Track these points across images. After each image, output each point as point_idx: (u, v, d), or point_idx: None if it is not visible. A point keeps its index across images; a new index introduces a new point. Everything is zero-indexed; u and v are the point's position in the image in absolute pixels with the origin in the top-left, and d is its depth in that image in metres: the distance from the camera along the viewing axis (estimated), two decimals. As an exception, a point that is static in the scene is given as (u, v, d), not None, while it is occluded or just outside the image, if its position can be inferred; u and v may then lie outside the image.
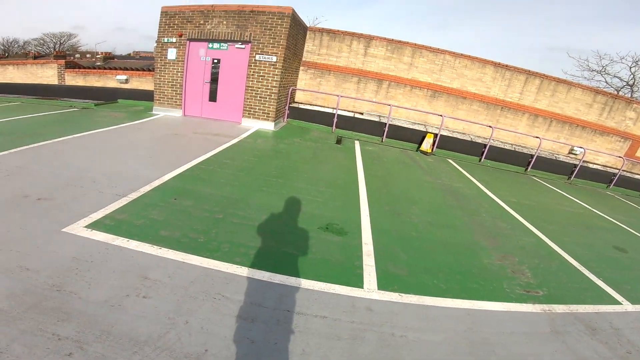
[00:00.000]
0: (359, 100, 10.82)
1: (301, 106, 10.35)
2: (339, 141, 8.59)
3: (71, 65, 12.31)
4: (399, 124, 10.10)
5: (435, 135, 9.48)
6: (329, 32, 10.56)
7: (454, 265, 3.49)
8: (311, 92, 10.42)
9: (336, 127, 9.52)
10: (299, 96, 11.02)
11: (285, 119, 9.67)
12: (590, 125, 11.85)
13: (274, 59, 7.99)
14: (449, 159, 9.54)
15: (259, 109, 8.40)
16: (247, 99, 8.38)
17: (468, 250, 3.90)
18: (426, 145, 9.32)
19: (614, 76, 18.99)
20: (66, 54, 23.36)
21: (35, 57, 22.57)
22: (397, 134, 9.65)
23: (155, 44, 8.99)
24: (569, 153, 12.41)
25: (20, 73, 13.03)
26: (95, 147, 5.54)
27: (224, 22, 8.17)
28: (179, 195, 4.01)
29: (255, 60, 8.11)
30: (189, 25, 8.42)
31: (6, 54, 35.46)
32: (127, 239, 2.90)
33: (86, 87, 11.60)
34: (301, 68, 10.72)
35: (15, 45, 40.78)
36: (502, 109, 11.19)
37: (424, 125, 10.97)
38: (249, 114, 8.49)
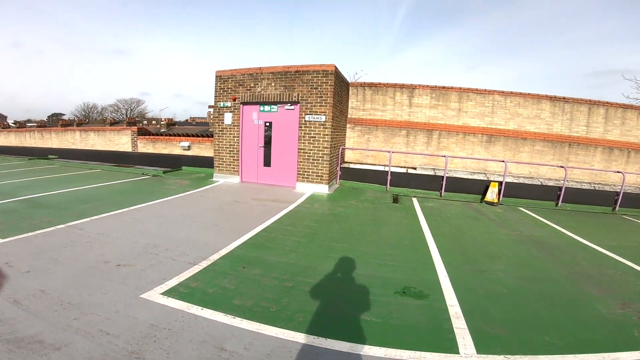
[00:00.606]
0: (410, 154, 10.53)
1: (352, 166, 10.26)
2: (395, 200, 8.20)
3: (142, 133, 13.66)
4: (457, 175, 9.55)
5: (500, 183, 8.75)
6: (371, 85, 10.72)
7: (565, 319, 3.11)
8: (360, 150, 10.38)
9: (390, 185, 9.19)
10: (349, 155, 11.01)
11: (337, 181, 9.57)
12: (679, 153, 10.37)
13: (323, 118, 8.11)
14: (520, 207, 8.65)
15: (312, 172, 8.40)
16: (300, 162, 8.45)
17: (578, 302, 3.47)
18: (491, 195, 8.59)
19: None
20: (136, 121, 26.14)
21: (111, 124, 25.29)
22: (456, 186, 9.06)
23: (211, 109, 9.74)
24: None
25: (100, 139, 14.75)
26: (166, 215, 5.88)
27: (272, 84, 8.58)
28: (247, 263, 4.01)
29: (305, 121, 8.29)
30: (241, 89, 8.94)
31: (87, 120, 40.52)
32: (201, 307, 2.93)
33: (155, 154, 12.67)
34: (348, 126, 10.83)
35: (95, 111, 46.81)
36: (570, 145, 10.24)
37: (485, 173, 10.27)
38: (302, 177, 8.50)
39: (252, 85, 8.86)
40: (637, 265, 4.79)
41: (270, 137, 8.80)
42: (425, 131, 10.44)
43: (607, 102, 10.18)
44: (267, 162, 8.93)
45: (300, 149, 8.41)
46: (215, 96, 9.42)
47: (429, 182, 9.16)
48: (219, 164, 9.53)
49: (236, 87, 9.06)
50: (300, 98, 8.32)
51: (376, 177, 9.39)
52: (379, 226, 5.93)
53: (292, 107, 8.48)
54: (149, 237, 4.66)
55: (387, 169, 9.50)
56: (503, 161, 8.86)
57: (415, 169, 10.34)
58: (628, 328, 2.99)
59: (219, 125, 9.38)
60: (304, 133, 8.34)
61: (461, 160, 10.21)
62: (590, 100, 10.12)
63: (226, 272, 3.70)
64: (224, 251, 4.32)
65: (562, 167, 8.98)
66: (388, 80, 10.55)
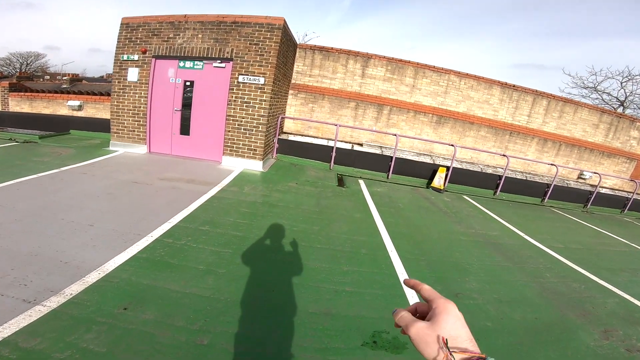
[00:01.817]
0: (357, 130, 9.49)
1: (291, 137, 8.88)
2: (341, 182, 7.16)
3: (17, 89, 10.31)
4: (404, 156, 8.84)
5: (447, 168, 8.27)
6: (322, 49, 9.23)
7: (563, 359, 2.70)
8: (303, 120, 8.98)
9: (334, 162, 8.10)
10: (289, 125, 9.56)
11: (274, 155, 8.15)
12: (598, 147, 11.18)
13: (262, 80, 6.51)
14: (464, 194, 8.35)
15: (243, 145, 6.85)
16: (229, 131, 6.81)
17: (565, 334, 3.08)
18: (438, 181, 8.08)
19: (604, 92, 18.84)
20: (33, 75, 21.03)
21: (-3, 79, 19.84)
22: (403, 169, 8.35)
23: (113, 64, 7.27)
24: (578, 178, 11.67)
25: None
26: (14, 206, 3.81)
27: (199, 36, 6.64)
28: (132, 299, 2.50)
29: (238, 82, 6.59)
30: (155, 40, 6.82)
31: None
32: None
33: (34, 114, 9.60)
34: (290, 92, 9.29)
35: (-24, 64, 36.72)
36: (511, 133, 10.23)
37: (430, 155, 9.78)
38: (231, 151, 6.91)
39: (171, 36, 6.73)
40: (593, 275, 4.74)
41: (191, 99, 6.90)
42: (376, 105, 9.45)
43: (551, 95, 10.27)
44: (185, 130, 7.08)
45: (230, 115, 6.73)
46: (117, 48, 7.05)
47: (376, 162, 8.30)
48: (118, 129, 7.34)
49: (149, 37, 6.84)
50: (234, 54, 6.52)
51: (319, 152, 8.20)
52: (328, 224, 4.79)
53: (223, 64, 6.66)
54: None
55: (331, 143, 8.37)
56: (453, 145, 8.34)
57: (361, 145, 9.41)
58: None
59: (119, 82, 7.11)
60: (236, 97, 6.64)
61: (409, 140, 9.53)
62: (536, 91, 10.09)
63: (92, 320, 2.21)
64: (94, 276, 2.69)
65: (504, 155, 8.83)
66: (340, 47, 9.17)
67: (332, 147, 8.04)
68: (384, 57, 9.18)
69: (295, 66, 9.28)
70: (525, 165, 10.78)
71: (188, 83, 6.87)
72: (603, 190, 11.08)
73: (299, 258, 3.64)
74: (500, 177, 8.90)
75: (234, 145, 6.85)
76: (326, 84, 9.34)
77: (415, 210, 6.25)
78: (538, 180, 10.00)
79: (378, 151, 9.00)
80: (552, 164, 9.36)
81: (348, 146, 9.02)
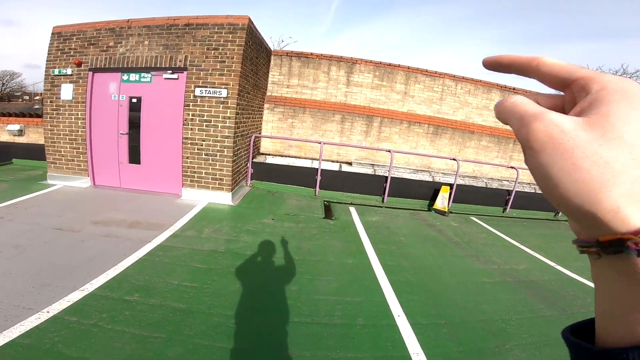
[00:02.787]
0: (345, 147, 8.32)
1: (269, 159, 7.65)
2: (328, 212, 5.95)
3: None
4: (399, 174, 7.72)
5: (451, 186, 7.16)
6: (300, 55, 8.11)
7: None
8: (281, 139, 7.75)
9: (320, 187, 6.89)
10: (266, 145, 8.33)
11: (248, 182, 6.89)
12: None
13: (224, 92, 5.30)
14: (471, 215, 7.24)
15: (206, 174, 5.58)
16: (187, 157, 5.54)
17: None
18: (442, 202, 6.94)
19: None
20: (11, 95, 19.55)
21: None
22: (400, 190, 7.20)
23: (44, 80, 5.96)
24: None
25: None
26: None
27: (146, 42, 5.44)
28: None
29: (194, 96, 5.37)
30: (92, 50, 5.59)
31: None
32: None
33: None
34: (266, 106, 8.10)
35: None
36: (515, 142, 9.22)
37: (429, 171, 8.67)
38: (192, 181, 5.63)
39: (111, 44, 5.53)
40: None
41: (139, 119, 5.63)
42: (364, 117, 8.32)
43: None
44: (134, 157, 5.78)
45: (187, 138, 5.47)
46: (47, 61, 5.81)
47: (368, 184, 7.12)
48: (55, 158, 6.02)
49: (84, 47, 5.64)
50: (188, 63, 5.32)
51: (301, 176, 6.98)
52: (311, 280, 3.56)
53: (175, 75, 5.44)
54: None
55: (316, 164, 7.18)
56: (455, 159, 7.25)
57: (350, 164, 8.24)
58: None
59: (52, 102, 5.84)
60: (193, 114, 5.40)
61: (404, 155, 8.42)
62: (537, 93, 9.14)
63: None
64: None
65: (512, 167, 7.79)
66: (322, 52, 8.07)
67: (317, 169, 6.83)
68: (371, 61, 8.11)
69: (270, 76, 8.13)
70: (529, 175, 9.78)
71: (134, 100, 5.60)
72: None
73: (267, 346, 2.40)
74: (509, 192, 7.85)
75: (195, 175, 5.58)
76: (307, 94, 8.19)
77: (421, 244, 5.07)
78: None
79: (369, 170, 7.84)
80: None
81: (335, 166, 7.84)
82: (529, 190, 8.86)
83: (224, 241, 4.25)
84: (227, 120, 5.33)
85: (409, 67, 8.24)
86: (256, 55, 6.37)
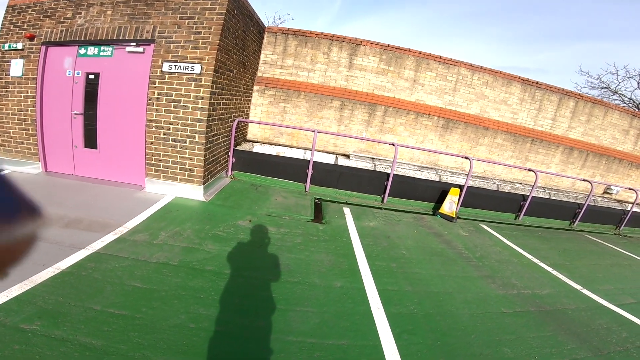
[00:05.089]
0: (343, 137, 7.42)
1: (256, 148, 6.75)
2: (318, 212, 5.09)
3: None
4: (403, 171, 6.84)
5: (461, 188, 6.29)
6: (297, 33, 7.13)
7: None
8: (271, 125, 6.81)
9: (311, 182, 6.01)
10: (254, 132, 7.42)
11: (229, 172, 6.00)
12: (627, 157, 9.37)
13: (198, 68, 4.38)
14: (481, 222, 6.39)
15: (174, 163, 4.69)
16: (152, 143, 4.65)
17: None
18: (449, 206, 6.07)
19: (621, 94, 17.05)
20: None
21: None
22: (403, 189, 6.33)
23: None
24: (604, 193, 9.88)
25: None
26: None
27: (109, 12, 4.52)
28: None
29: (161, 72, 4.44)
30: (48, 22, 4.68)
31: None
32: None
33: None
34: (256, 88, 7.15)
35: None
36: (533, 141, 8.31)
37: (435, 169, 7.78)
38: (157, 171, 4.75)
39: (69, 15, 4.63)
40: None
41: (96, 98, 4.71)
42: (366, 105, 7.38)
43: (579, 94, 8.42)
44: (90, 141, 4.88)
45: (152, 120, 4.55)
46: None
47: (367, 182, 6.23)
48: (4, 140, 5.14)
49: (39, 20, 4.74)
50: (157, 34, 4.39)
51: (291, 168, 6.09)
52: (284, 310, 2.72)
53: (141, 48, 4.49)
54: None
55: (308, 155, 6.30)
56: (468, 158, 6.35)
57: (348, 157, 7.34)
58: None
59: (0, 79, 4.95)
60: (159, 93, 4.48)
61: (408, 149, 7.52)
62: (562, 90, 8.20)
63: None
64: None
65: (531, 170, 6.90)
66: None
67: (309, 161, 5.94)
68: (378, 43, 7.13)
69: (262, 55, 7.16)
70: (547, 178, 8.90)
71: (92, 76, 4.68)
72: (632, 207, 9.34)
73: None
74: (524, 197, 6.98)
75: (161, 164, 4.69)
76: (302, 77, 7.24)
77: (427, 261, 4.21)
78: (564, 199, 8.17)
79: (369, 165, 6.95)
80: (584, 180, 7.47)
81: (331, 158, 6.95)
82: (543, 196, 8.01)
83: (180, 250, 3.40)
84: (200, 101, 4.41)
85: (420, 52, 7.26)
86: (243, 28, 5.41)
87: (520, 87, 7.88)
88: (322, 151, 7.26)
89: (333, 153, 7.32)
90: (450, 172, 7.76)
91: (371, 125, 7.47)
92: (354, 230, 4.74)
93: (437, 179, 7.15)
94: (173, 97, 4.42)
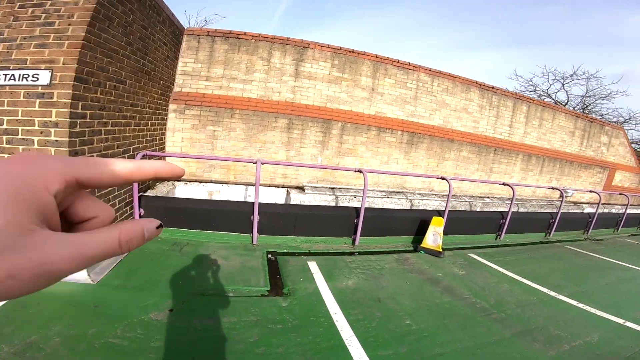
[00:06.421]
0: (294, 166, 5.96)
1: (179, 189, 4.96)
2: (275, 277, 3.50)
3: None
4: (370, 200, 5.61)
5: (440, 214, 5.24)
6: (228, 35, 5.60)
7: None
8: (197, 158, 5.00)
9: (259, 231, 4.40)
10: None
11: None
12: (575, 159, 9.50)
13: (45, 77, 2.61)
14: (467, 250, 5.42)
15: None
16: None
17: None
18: (433, 239, 4.94)
19: (548, 95, 18.41)
20: None
21: None
22: (375, 225, 5.05)
23: None
24: (560, 197, 9.87)
25: None
26: None
27: None
28: None
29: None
30: None
31: None
32: None
33: None
34: (171, 107, 5.36)
35: None
36: (495, 151, 7.77)
37: (403, 192, 6.71)
38: None
39: None
40: None
41: None
42: (320, 122, 6.04)
43: (530, 99, 8.23)
44: None
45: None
46: None
47: (333, 221, 4.82)
48: None
49: None
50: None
51: (229, 215, 4.42)
52: None
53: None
54: None
55: (250, 191, 4.72)
56: (444, 179, 5.36)
57: (302, 189, 5.89)
58: None
59: None
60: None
61: (373, 174, 6.34)
62: (515, 94, 7.88)
63: None
64: None
65: (506, 184, 6.19)
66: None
67: (253, 203, 4.33)
68: (328, 46, 5.90)
69: (180, 63, 5.46)
70: (509, 190, 8.48)
71: None
72: (584, 207, 9.41)
73: None
74: (502, 215, 6.23)
75: None
76: (236, 90, 5.67)
77: (443, 330, 2.93)
78: (530, 209, 7.75)
79: (330, 197, 5.58)
80: (553, 188, 7.04)
81: (281, 194, 5.45)
82: (513, 209, 7.46)
83: None
84: (53, 130, 2.62)
85: (377, 56, 6.21)
86: (144, 23, 3.75)
87: (478, 92, 7.29)
88: (270, 185, 5.72)
89: (283, 186, 5.81)
90: (419, 194, 6.77)
91: (327, 147, 6.14)
92: (331, 299, 3.27)
93: (409, 205, 6.07)
94: (3, 127, 2.56)
